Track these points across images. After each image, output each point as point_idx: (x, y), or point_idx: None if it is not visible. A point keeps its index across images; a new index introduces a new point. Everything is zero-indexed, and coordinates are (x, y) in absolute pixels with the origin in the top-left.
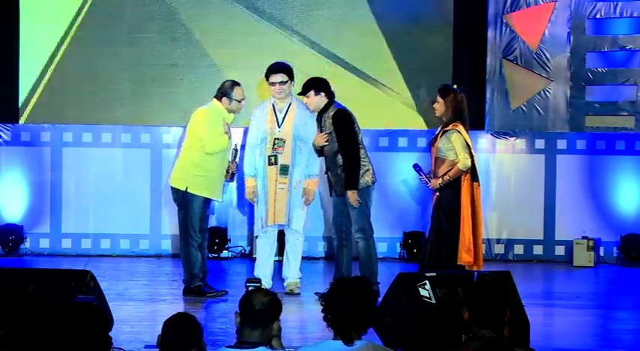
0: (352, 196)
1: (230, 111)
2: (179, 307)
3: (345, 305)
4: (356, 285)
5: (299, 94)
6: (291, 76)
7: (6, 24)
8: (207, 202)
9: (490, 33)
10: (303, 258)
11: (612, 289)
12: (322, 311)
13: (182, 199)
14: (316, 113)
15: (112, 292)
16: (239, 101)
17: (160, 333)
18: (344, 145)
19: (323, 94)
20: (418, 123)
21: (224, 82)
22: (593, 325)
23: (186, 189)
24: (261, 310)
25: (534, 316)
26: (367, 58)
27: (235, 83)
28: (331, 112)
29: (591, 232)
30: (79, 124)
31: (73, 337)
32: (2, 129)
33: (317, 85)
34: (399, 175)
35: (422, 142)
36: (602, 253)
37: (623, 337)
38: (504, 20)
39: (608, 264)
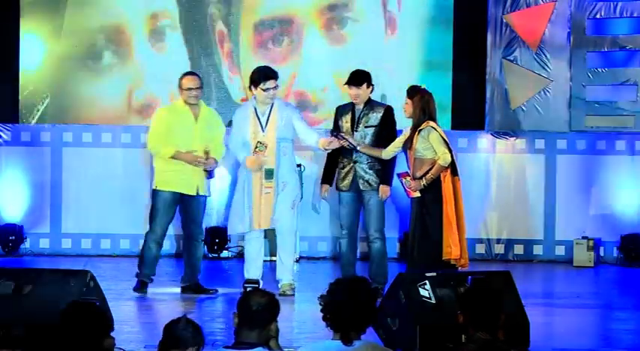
0: (387, 191)
1: (184, 101)
2: (179, 307)
3: (344, 305)
4: (356, 285)
5: (350, 84)
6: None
7: (6, 24)
8: (183, 200)
9: (490, 33)
10: (303, 258)
11: (612, 289)
12: (321, 311)
13: (151, 197)
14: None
15: (112, 292)
16: (186, 89)
17: (160, 338)
18: (390, 140)
19: (372, 87)
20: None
21: None
22: (593, 325)
23: (155, 187)
24: (259, 310)
25: (534, 316)
26: (367, 58)
27: (186, 73)
28: (379, 107)
29: (591, 232)
30: (79, 124)
31: (76, 338)
32: (2, 129)
33: (370, 79)
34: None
35: None
36: (602, 253)
37: (623, 337)
38: (504, 20)
39: (608, 264)
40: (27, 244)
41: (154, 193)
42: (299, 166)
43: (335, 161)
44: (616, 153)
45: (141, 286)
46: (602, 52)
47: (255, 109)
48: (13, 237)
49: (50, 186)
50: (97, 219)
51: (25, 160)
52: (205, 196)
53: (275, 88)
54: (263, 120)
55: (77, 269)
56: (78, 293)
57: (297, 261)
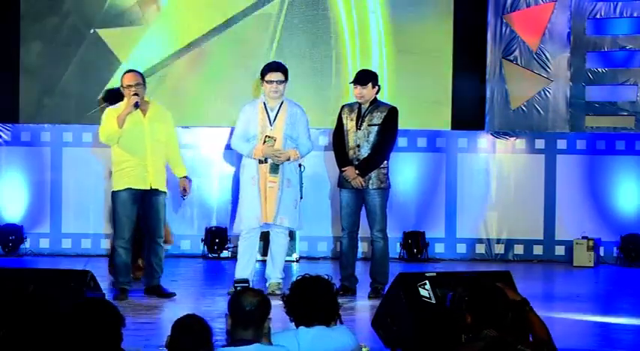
0: (356, 177)
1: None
2: (179, 306)
3: (301, 302)
4: (312, 283)
5: (355, 83)
6: (287, 77)
7: (6, 24)
8: (138, 197)
9: (490, 33)
10: (303, 258)
11: (612, 289)
12: (284, 308)
13: (111, 201)
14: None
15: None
16: (124, 87)
17: (168, 334)
18: (387, 139)
19: (377, 87)
20: (414, 123)
21: None
22: (593, 325)
23: (112, 189)
24: (252, 310)
25: None
26: (366, 57)
27: (127, 71)
28: (384, 107)
29: (591, 232)
30: (79, 124)
31: (88, 334)
32: (2, 129)
33: (376, 78)
34: (399, 176)
35: (422, 142)
36: (602, 253)
37: (623, 337)
38: (504, 20)
39: (608, 264)
40: (27, 244)
41: (112, 196)
42: (299, 166)
43: (343, 144)
44: (616, 153)
45: (121, 293)
46: (602, 52)
47: (265, 104)
48: (13, 237)
49: (50, 186)
50: (97, 219)
51: (25, 160)
52: (165, 194)
53: (279, 82)
54: (272, 115)
55: (77, 269)
56: (78, 293)
57: (297, 261)
